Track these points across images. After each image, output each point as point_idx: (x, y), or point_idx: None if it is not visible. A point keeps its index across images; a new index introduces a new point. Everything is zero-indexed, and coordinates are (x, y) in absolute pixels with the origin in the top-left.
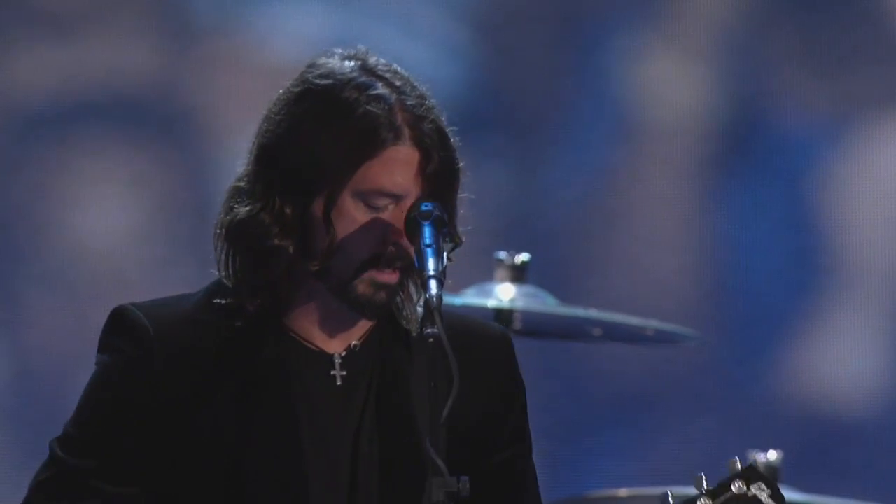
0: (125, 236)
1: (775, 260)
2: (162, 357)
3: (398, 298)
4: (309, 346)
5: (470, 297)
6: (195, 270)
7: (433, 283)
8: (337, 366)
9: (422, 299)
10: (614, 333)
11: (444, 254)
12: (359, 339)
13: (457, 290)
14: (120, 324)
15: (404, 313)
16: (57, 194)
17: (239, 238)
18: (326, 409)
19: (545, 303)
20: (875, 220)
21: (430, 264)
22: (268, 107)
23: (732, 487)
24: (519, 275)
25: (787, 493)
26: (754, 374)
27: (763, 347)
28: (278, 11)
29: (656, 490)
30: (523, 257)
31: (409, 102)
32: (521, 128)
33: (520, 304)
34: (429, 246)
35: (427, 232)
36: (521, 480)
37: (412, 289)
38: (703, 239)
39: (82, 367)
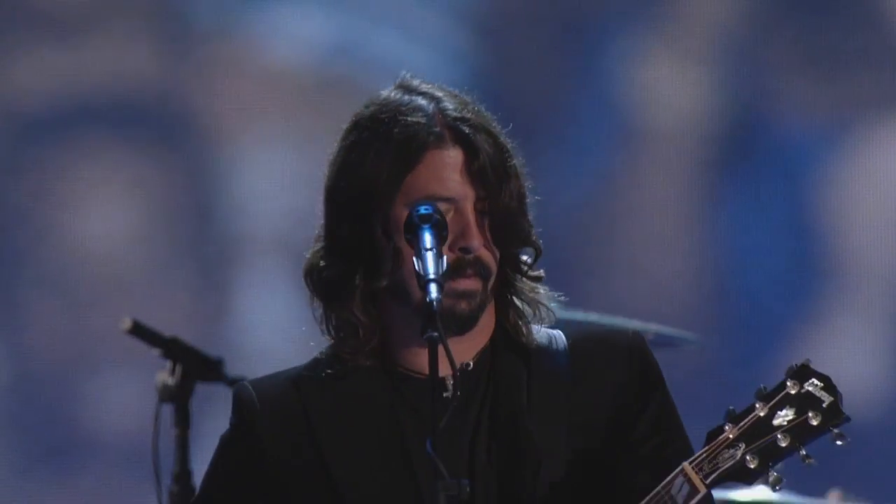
0: (125, 239)
1: (775, 263)
2: (266, 420)
3: (511, 314)
4: (416, 375)
5: None
6: (194, 273)
7: (433, 287)
8: (450, 387)
9: (536, 314)
10: None
11: (445, 257)
12: (472, 358)
13: None
14: (235, 399)
15: (521, 330)
16: (57, 197)
17: (314, 278)
18: (445, 432)
19: None
20: (875, 223)
21: (430, 268)
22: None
23: (787, 388)
24: None
25: (789, 497)
26: (754, 377)
27: (763, 351)
28: (278, 16)
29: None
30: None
31: (447, 107)
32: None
33: None
34: (428, 250)
35: (426, 235)
36: (671, 465)
37: (515, 301)
38: (703, 242)
39: (82, 370)
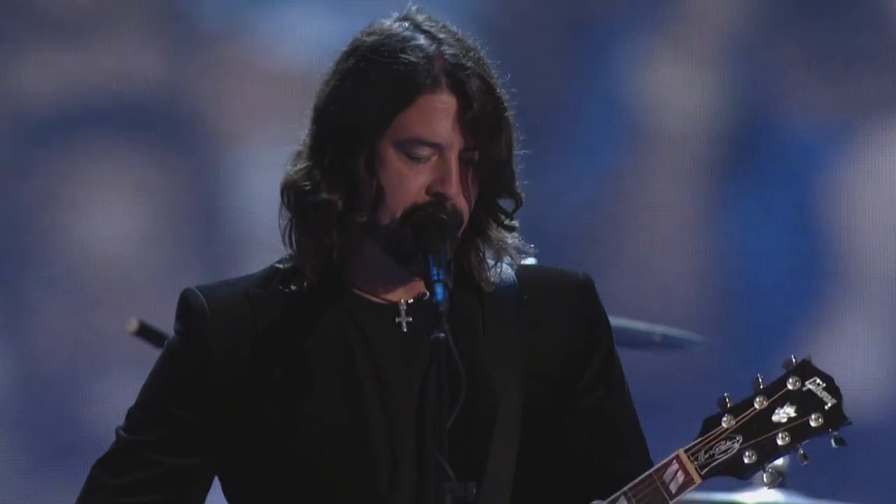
0: (131, 241)
1: (782, 265)
2: (218, 334)
3: (473, 257)
4: (372, 298)
5: None
6: (202, 274)
7: (439, 289)
8: (402, 313)
9: (499, 257)
10: (621, 339)
11: (450, 259)
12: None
13: None
14: (182, 305)
15: (478, 273)
16: (63, 199)
17: (293, 196)
18: (391, 356)
19: None
20: (881, 224)
21: (436, 269)
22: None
23: (787, 384)
24: None
25: (794, 499)
26: None
27: (769, 352)
28: (284, 17)
29: None
30: (529, 262)
31: (448, 52)
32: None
33: None
34: (436, 250)
35: (433, 236)
36: (612, 419)
37: (481, 246)
38: (709, 244)
39: (88, 372)
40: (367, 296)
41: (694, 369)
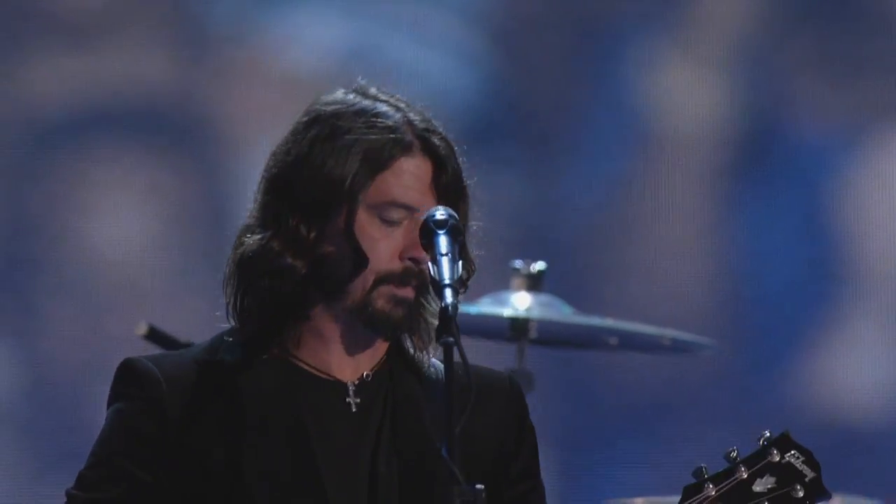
0: (141, 245)
1: (791, 269)
2: (173, 399)
3: (416, 338)
4: (322, 375)
5: (486, 306)
6: (210, 279)
7: (449, 293)
8: (351, 393)
9: (435, 325)
10: (630, 342)
11: (460, 263)
12: (370, 370)
13: (472, 298)
14: (130, 373)
15: (422, 350)
16: (73, 203)
17: (250, 266)
18: (343, 435)
19: (561, 312)
20: (891, 228)
21: (446, 273)
22: (273, 148)
23: (768, 455)
24: (535, 284)
25: None
26: (770, 383)
27: (779, 356)
28: (294, 21)
29: (672, 499)
30: (539, 266)
31: (415, 118)
32: (537, 137)
33: (535, 313)
34: (444, 255)
35: (442, 241)
36: None
37: (427, 315)
38: (718, 248)
39: (98, 377)
40: (316, 372)
41: (704, 373)
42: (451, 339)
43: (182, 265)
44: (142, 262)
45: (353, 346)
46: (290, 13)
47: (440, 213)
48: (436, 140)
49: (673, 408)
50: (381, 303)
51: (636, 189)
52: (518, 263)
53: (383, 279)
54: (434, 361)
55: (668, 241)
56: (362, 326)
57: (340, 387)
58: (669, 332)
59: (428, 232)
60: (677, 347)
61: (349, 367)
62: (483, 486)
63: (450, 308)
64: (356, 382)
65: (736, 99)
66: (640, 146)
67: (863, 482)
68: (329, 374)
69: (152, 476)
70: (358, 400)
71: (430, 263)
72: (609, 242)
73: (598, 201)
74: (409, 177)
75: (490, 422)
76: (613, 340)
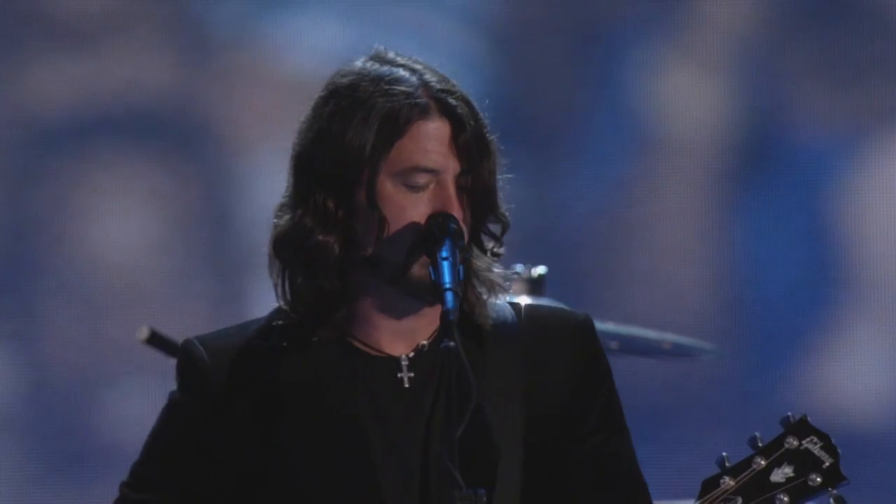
0: (142, 249)
1: (792, 273)
2: (220, 389)
3: (470, 294)
4: (373, 352)
5: None
6: (212, 283)
7: (449, 297)
8: (404, 367)
9: (493, 293)
10: (631, 347)
11: (461, 267)
12: (427, 339)
13: None
14: (184, 359)
15: (476, 310)
16: (74, 207)
17: (285, 247)
18: (395, 412)
19: None
20: (892, 233)
21: (447, 277)
22: (296, 128)
23: (785, 443)
24: (536, 288)
25: None
26: (770, 387)
27: (779, 361)
28: (295, 25)
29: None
30: (540, 270)
31: (431, 79)
32: (538, 141)
33: None
34: (445, 259)
35: (444, 245)
36: (614, 465)
37: (478, 284)
38: (719, 252)
39: (99, 380)
40: (368, 349)
41: (704, 378)
42: (452, 343)
43: (183, 268)
44: (143, 265)
45: (401, 317)
46: (291, 18)
47: (441, 218)
48: (452, 100)
49: (673, 412)
50: (417, 269)
51: (637, 193)
52: (519, 267)
53: (417, 245)
54: (500, 306)
55: (668, 245)
56: (403, 296)
57: (392, 362)
58: (670, 337)
59: (429, 236)
60: (678, 352)
61: (402, 339)
62: (484, 490)
63: (450, 312)
64: (410, 355)
65: (737, 103)
66: (641, 150)
67: (863, 487)
68: (380, 350)
69: (199, 473)
70: (412, 374)
71: (430, 268)
72: (610, 247)
73: (598, 205)
74: (427, 140)
75: (558, 370)
76: (614, 345)
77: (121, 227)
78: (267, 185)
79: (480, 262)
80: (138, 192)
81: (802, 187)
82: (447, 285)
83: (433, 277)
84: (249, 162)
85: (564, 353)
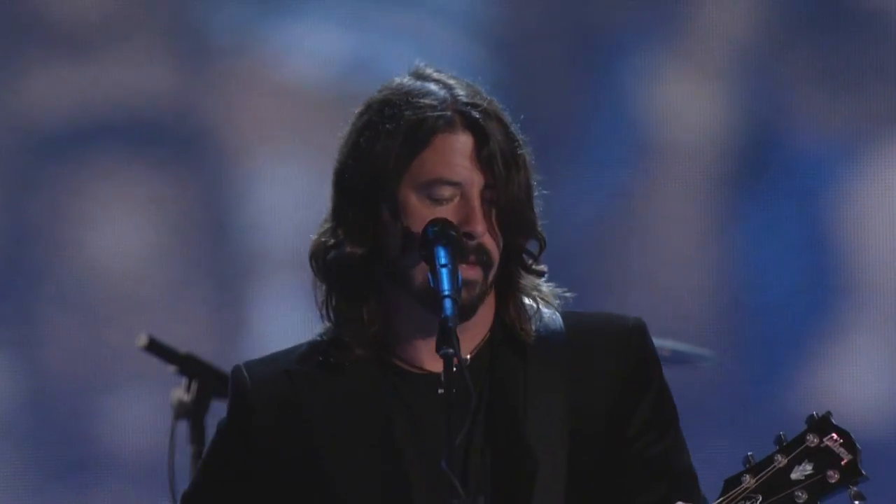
0: (141, 256)
1: (791, 280)
2: (263, 414)
3: (511, 308)
4: (414, 369)
5: None
6: (211, 289)
7: (448, 304)
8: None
9: (537, 306)
10: None
11: (460, 273)
12: (470, 353)
13: None
14: (231, 386)
15: (518, 325)
16: (73, 214)
17: (318, 260)
18: (435, 428)
19: None
20: (892, 239)
21: (445, 284)
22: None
23: (806, 441)
24: None
25: None
26: (770, 394)
27: (779, 367)
28: (294, 32)
29: None
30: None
31: (459, 93)
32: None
33: None
34: (444, 266)
35: (441, 252)
36: (664, 465)
37: (516, 294)
38: (719, 258)
39: (98, 387)
40: (408, 367)
41: (704, 384)
42: (451, 350)
43: (182, 276)
44: (142, 272)
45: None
46: (290, 24)
47: (438, 225)
48: (476, 113)
49: None
50: (418, 277)
51: (636, 200)
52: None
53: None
54: (549, 318)
55: (668, 251)
56: (430, 313)
57: (432, 379)
58: (669, 343)
59: (426, 243)
60: (677, 358)
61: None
62: (483, 497)
63: (449, 320)
64: (470, 388)
65: (735, 109)
66: (640, 157)
67: (864, 493)
68: (420, 367)
69: (248, 492)
70: (454, 390)
71: (429, 274)
72: (609, 253)
73: (597, 212)
74: (450, 152)
75: (604, 377)
76: None
77: (120, 234)
78: (266, 191)
79: (524, 278)
80: (137, 198)
81: (802, 193)
82: (445, 292)
83: (432, 285)
84: (249, 168)
85: (609, 361)
